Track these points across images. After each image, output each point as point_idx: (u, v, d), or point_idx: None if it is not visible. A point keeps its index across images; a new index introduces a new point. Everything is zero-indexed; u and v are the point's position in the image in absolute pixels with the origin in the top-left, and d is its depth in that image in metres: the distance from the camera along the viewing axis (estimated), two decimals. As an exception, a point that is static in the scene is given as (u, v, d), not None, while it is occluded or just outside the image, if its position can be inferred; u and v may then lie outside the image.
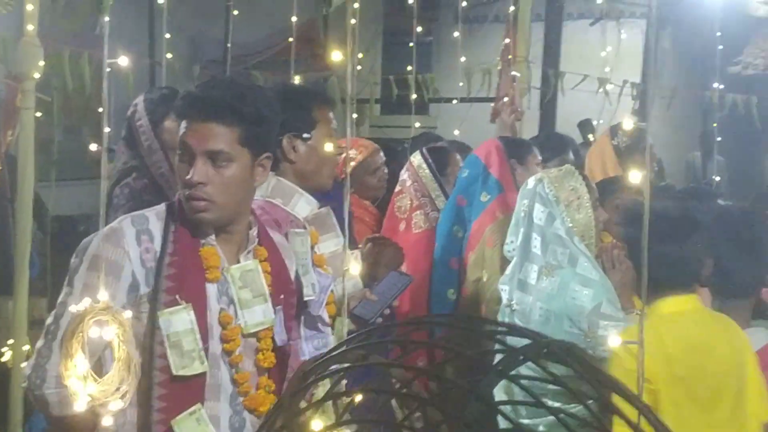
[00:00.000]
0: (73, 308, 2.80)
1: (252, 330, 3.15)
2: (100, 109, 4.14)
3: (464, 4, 9.26)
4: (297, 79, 7.48)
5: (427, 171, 5.76)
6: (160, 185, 5.65)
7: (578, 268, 4.37)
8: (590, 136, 11.99)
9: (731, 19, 11.09)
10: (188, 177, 3.03)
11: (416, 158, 5.84)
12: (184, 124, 3.08)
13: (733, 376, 3.78)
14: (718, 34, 9.70)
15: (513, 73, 8.15)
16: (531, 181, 4.59)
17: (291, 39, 7.36)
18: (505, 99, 7.86)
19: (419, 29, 8.18)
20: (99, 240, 3.04)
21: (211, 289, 3.11)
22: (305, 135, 3.85)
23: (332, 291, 3.50)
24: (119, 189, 5.66)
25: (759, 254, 3.88)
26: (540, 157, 5.63)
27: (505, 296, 4.55)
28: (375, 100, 11.89)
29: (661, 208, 3.68)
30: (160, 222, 3.10)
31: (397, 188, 5.82)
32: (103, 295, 2.80)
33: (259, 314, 3.16)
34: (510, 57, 8.68)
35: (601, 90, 9.69)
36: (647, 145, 3.21)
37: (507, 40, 8.83)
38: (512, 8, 8.37)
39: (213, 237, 3.13)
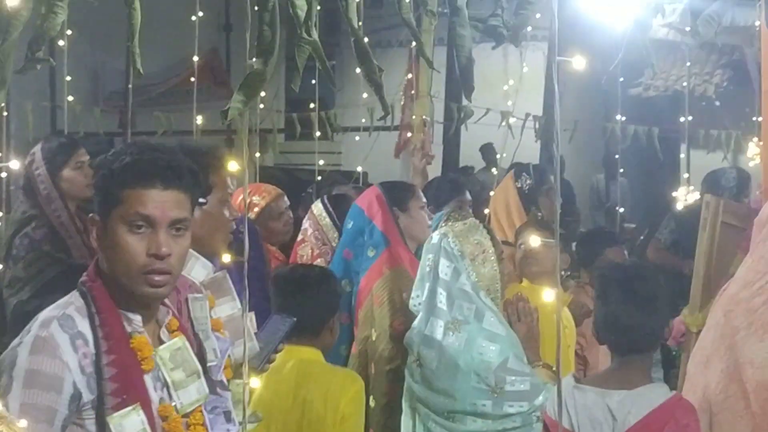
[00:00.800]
0: None
1: (188, 410, 2.99)
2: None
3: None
4: (200, 119, 7.37)
5: (328, 219, 5.75)
6: (60, 235, 5.57)
7: (485, 323, 4.37)
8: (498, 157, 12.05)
9: (633, 42, 11.19)
10: (157, 250, 2.84)
11: (317, 207, 5.83)
12: (137, 193, 2.86)
13: None
14: (619, 59, 9.78)
15: (424, 117, 8.19)
16: (435, 236, 4.58)
17: (192, 78, 7.30)
18: (416, 142, 7.92)
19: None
20: (28, 353, 2.76)
21: (148, 380, 2.92)
22: (200, 200, 3.71)
23: (229, 355, 3.43)
24: (19, 239, 5.58)
25: (655, 309, 3.88)
26: (424, 200, 5.55)
27: (411, 352, 4.53)
28: (278, 129, 11.86)
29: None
30: (85, 320, 2.85)
31: (299, 237, 5.80)
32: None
33: (193, 392, 3.01)
34: (413, 92, 8.70)
35: (503, 123, 9.72)
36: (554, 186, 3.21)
37: (409, 75, 8.84)
38: (413, 44, 8.36)
39: (140, 321, 2.94)
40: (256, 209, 6.00)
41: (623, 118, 9.69)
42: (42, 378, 2.72)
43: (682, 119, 9.69)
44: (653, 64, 7.83)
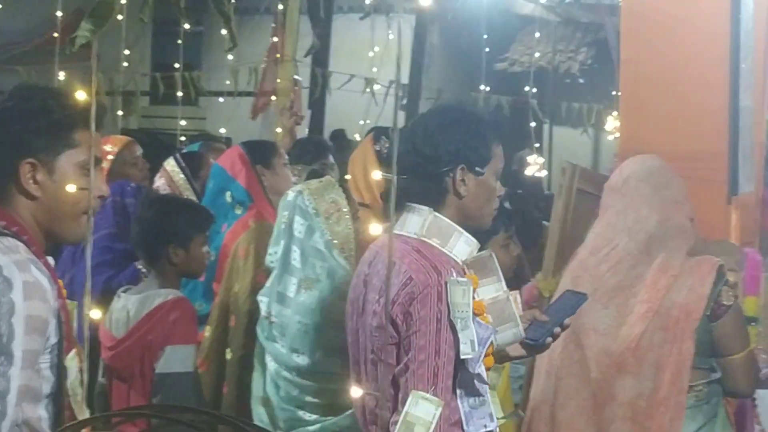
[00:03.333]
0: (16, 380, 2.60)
1: None
2: None
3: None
4: (62, 75, 7.22)
5: (181, 176, 5.76)
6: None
7: (336, 282, 4.36)
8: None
9: (498, 17, 11.33)
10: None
11: (170, 164, 5.83)
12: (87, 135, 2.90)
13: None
14: (485, 36, 9.90)
15: (296, 77, 8.15)
16: (291, 193, 4.56)
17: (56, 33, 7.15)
18: (285, 103, 7.89)
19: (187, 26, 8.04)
20: (23, 299, 2.68)
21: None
22: (478, 169, 3.39)
23: (492, 342, 3.26)
24: None
25: None
26: (287, 158, 5.63)
27: (264, 308, 4.51)
28: (142, 92, 11.71)
29: None
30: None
31: (152, 194, 5.76)
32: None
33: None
34: (278, 56, 8.66)
35: (368, 90, 9.75)
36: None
37: (275, 39, 8.79)
38: (280, 6, 8.31)
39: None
40: (110, 157, 6.01)
41: (487, 89, 9.79)
42: (37, 323, 2.70)
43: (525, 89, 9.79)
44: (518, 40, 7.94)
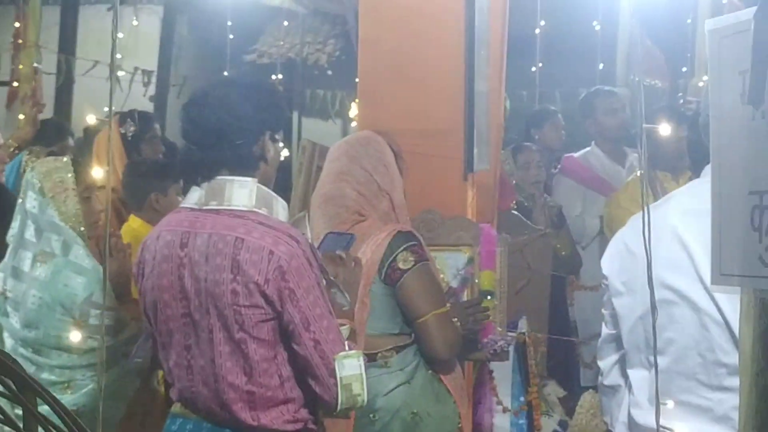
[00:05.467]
0: None
1: None
2: None
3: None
4: None
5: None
6: None
7: (71, 256, 4.35)
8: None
9: (246, 8, 11.37)
10: None
11: None
12: None
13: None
14: (229, 23, 9.94)
15: (36, 64, 8.03)
16: (28, 171, 4.53)
17: None
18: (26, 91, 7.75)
19: None
20: None
21: None
22: (277, 137, 3.51)
23: None
24: None
25: None
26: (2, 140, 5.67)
27: (0, 284, 4.44)
28: None
29: None
30: None
31: None
32: None
33: None
34: (20, 41, 8.51)
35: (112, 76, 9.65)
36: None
37: (17, 24, 8.64)
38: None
39: None
40: None
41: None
42: None
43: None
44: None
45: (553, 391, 6.49)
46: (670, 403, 3.01)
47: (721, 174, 2.21)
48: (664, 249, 3.18)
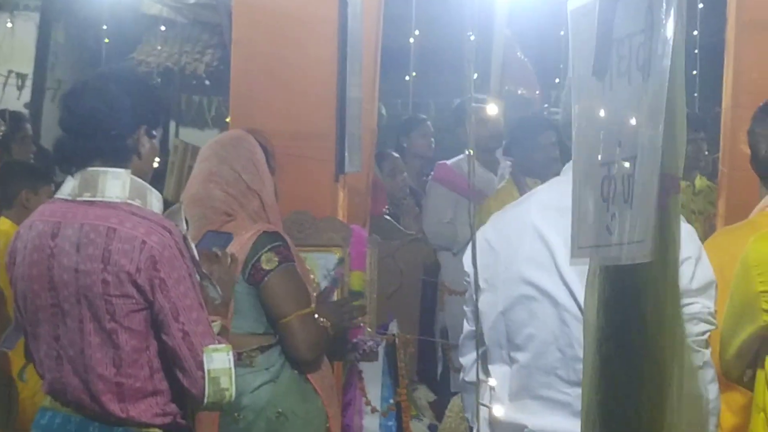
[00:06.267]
0: None
1: None
2: None
3: None
4: None
5: None
6: None
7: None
8: None
9: (125, 16, 11.28)
10: None
11: None
12: None
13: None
14: (105, 27, 9.87)
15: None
16: None
17: None
18: None
19: None
20: None
21: None
22: (154, 132, 3.48)
23: None
24: None
25: None
26: None
27: None
28: None
29: None
30: None
31: None
32: None
33: None
34: None
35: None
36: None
37: None
38: None
39: None
40: None
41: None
42: None
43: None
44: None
45: (424, 395, 6.57)
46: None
47: (579, 148, 2.28)
48: (525, 245, 3.27)
